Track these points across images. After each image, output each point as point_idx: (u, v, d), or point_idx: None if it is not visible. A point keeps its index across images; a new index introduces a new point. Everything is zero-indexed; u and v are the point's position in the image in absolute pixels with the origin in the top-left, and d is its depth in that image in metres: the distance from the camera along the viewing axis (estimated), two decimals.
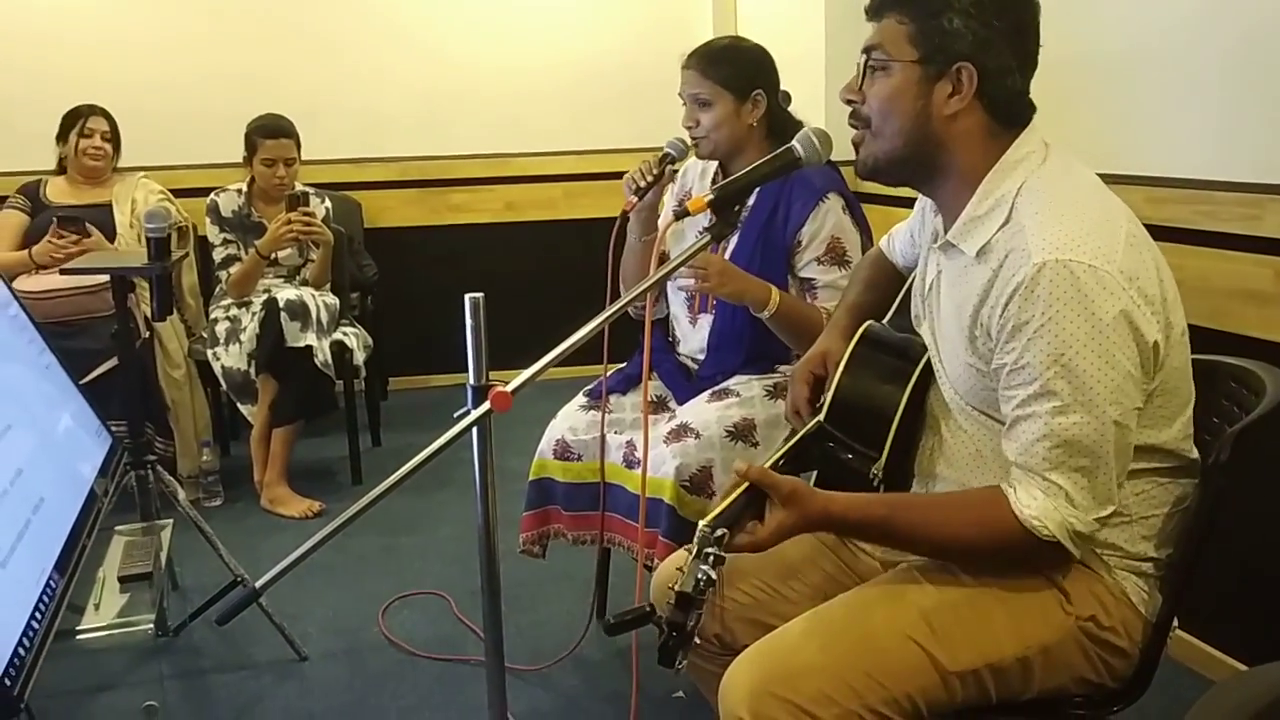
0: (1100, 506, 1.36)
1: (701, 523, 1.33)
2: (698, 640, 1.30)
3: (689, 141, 2.42)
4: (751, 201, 2.37)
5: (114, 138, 3.84)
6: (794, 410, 1.73)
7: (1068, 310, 1.30)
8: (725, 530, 1.31)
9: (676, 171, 2.48)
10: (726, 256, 2.39)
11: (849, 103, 1.50)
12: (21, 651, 1.49)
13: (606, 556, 2.71)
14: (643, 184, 2.37)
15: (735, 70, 2.37)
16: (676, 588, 1.23)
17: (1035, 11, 1.43)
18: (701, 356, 2.52)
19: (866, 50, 1.46)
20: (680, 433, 2.30)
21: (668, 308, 2.63)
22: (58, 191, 3.81)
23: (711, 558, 1.23)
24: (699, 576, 1.21)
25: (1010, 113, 1.44)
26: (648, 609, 1.31)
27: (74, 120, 3.79)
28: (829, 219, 2.34)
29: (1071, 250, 1.31)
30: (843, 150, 1.59)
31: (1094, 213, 1.36)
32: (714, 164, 2.53)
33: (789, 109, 2.44)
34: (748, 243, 2.39)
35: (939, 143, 1.44)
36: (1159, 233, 1.48)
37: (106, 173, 3.86)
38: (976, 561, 1.45)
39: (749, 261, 2.37)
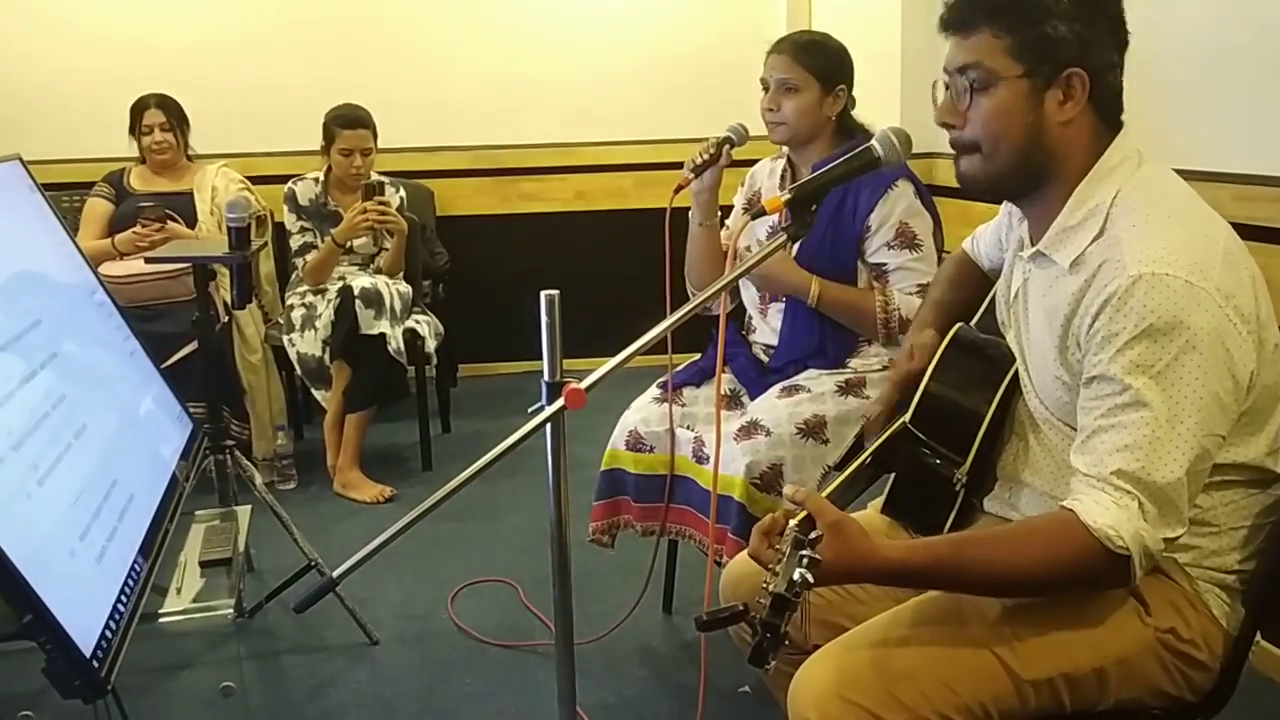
0: (1170, 527, 1.29)
1: (791, 523, 1.32)
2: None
3: (747, 129, 2.43)
4: None
5: (174, 124, 3.86)
6: (882, 405, 1.72)
7: (1160, 324, 1.26)
8: (819, 533, 1.29)
9: (732, 152, 2.45)
10: (796, 246, 2.40)
11: (948, 126, 1.44)
12: (109, 634, 1.54)
13: (674, 549, 2.72)
14: (699, 162, 2.38)
15: (826, 61, 2.40)
16: (770, 589, 1.21)
17: None
18: (773, 346, 2.52)
19: (961, 69, 1.40)
20: (750, 430, 2.29)
21: (740, 298, 2.63)
22: (140, 179, 3.90)
23: (806, 559, 1.22)
24: (794, 578, 1.20)
25: (1114, 109, 1.40)
26: (741, 608, 1.29)
27: (136, 116, 3.85)
28: (899, 204, 2.35)
29: (1168, 264, 1.27)
30: (916, 145, 1.56)
31: (1192, 227, 1.33)
32: (781, 163, 2.54)
33: (852, 112, 2.47)
34: (817, 232, 2.38)
35: (1052, 153, 1.40)
36: (1246, 231, 1.43)
37: (179, 160, 3.92)
38: (1049, 592, 1.38)
39: (818, 250, 2.39)
